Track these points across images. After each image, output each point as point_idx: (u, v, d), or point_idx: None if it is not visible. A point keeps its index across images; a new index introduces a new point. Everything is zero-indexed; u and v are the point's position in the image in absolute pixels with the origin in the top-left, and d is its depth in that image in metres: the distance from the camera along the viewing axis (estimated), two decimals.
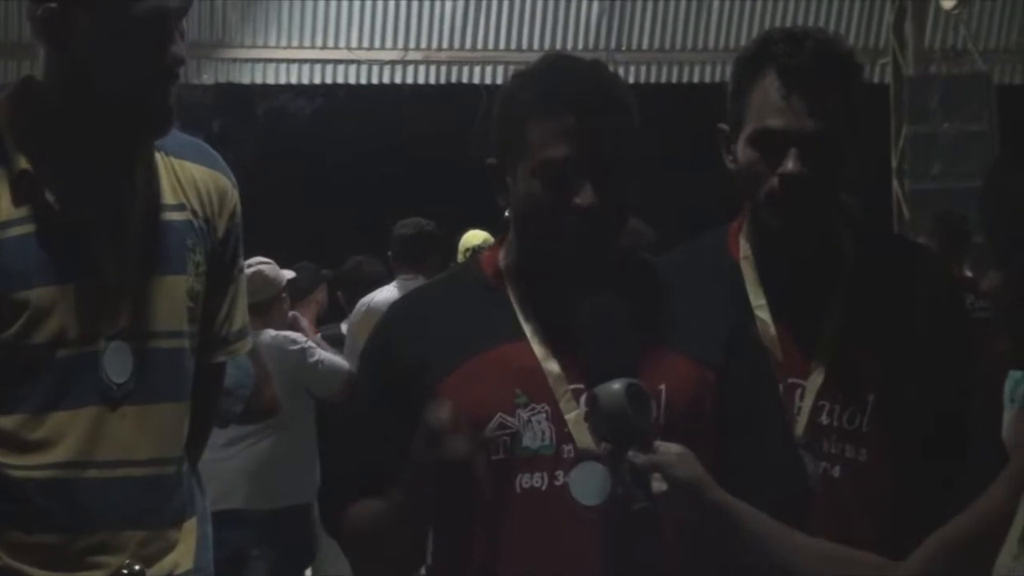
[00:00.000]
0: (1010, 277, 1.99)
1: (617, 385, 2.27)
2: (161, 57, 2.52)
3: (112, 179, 2.58)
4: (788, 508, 2.41)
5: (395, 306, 2.66)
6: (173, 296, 2.62)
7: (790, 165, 2.68)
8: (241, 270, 2.79)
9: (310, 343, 7.25)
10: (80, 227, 2.54)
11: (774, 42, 2.75)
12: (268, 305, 7.27)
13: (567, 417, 2.41)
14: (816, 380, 2.71)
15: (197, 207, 2.68)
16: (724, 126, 2.80)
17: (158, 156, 2.65)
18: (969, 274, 8.12)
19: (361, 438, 2.55)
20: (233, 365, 3.22)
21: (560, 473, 2.40)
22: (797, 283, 2.76)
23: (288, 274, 7.49)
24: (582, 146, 2.40)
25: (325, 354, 7.23)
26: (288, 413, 7.07)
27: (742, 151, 2.74)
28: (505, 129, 2.48)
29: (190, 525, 2.71)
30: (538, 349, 2.45)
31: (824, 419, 2.71)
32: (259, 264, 7.35)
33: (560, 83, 2.45)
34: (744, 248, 2.82)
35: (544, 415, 2.42)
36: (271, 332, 7.19)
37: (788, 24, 10.63)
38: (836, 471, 2.70)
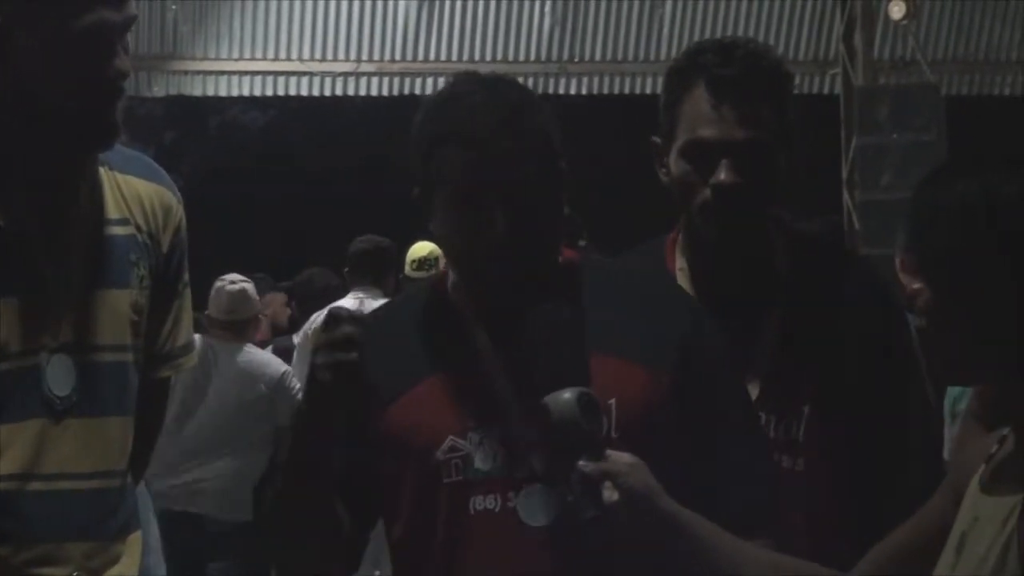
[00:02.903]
0: (938, 295, 2.01)
1: (568, 394, 2.27)
2: (105, 71, 2.52)
3: (55, 193, 2.59)
4: (761, 509, 2.43)
5: None
6: (116, 309, 2.62)
7: (722, 175, 2.68)
8: (186, 285, 2.79)
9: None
10: (22, 240, 2.54)
11: (703, 52, 2.76)
12: (246, 323, 7.42)
13: (517, 437, 2.40)
14: (752, 391, 2.70)
15: (141, 222, 2.68)
16: (657, 139, 2.81)
17: (102, 171, 2.65)
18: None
19: (303, 449, 2.53)
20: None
21: (513, 494, 2.39)
22: (732, 294, 2.76)
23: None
24: (486, 173, 2.38)
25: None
26: (257, 430, 7.19)
27: (674, 163, 2.74)
28: (417, 159, 2.46)
29: (135, 538, 2.71)
30: (488, 368, 2.44)
31: None
32: (242, 283, 7.48)
33: (462, 112, 2.41)
34: (679, 260, 2.83)
35: (496, 437, 2.41)
36: (252, 347, 7.39)
37: (739, 35, 10.64)
38: None
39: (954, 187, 2.00)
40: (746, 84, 2.71)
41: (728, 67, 2.72)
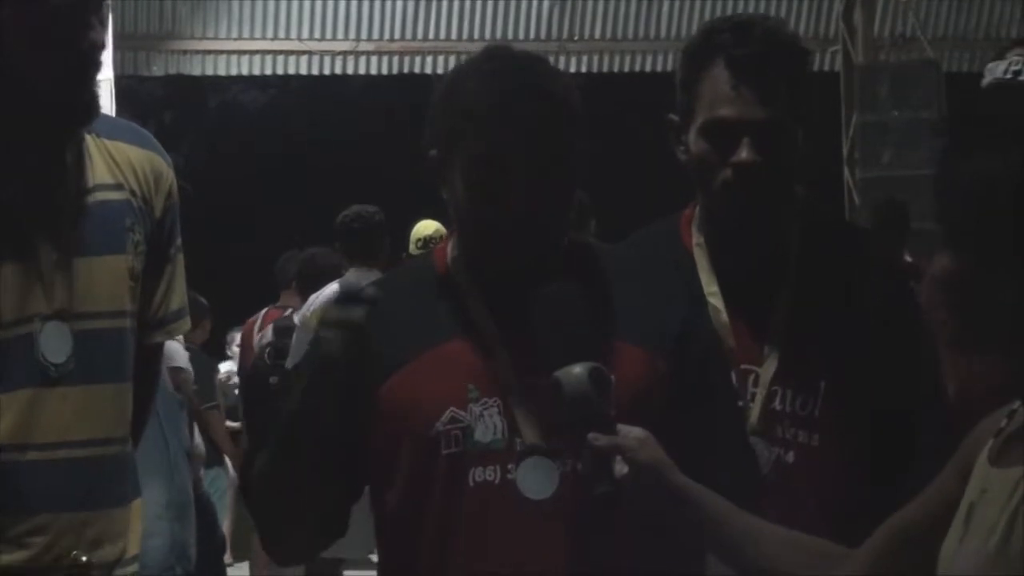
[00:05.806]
0: (958, 259, 1.99)
1: (579, 368, 2.26)
2: (79, 45, 2.51)
3: (41, 163, 2.58)
4: (738, 499, 2.42)
5: None
6: (113, 275, 2.62)
7: (744, 154, 2.67)
8: (179, 250, 2.79)
9: None
10: (9, 210, 2.54)
11: (719, 31, 2.74)
12: None
13: (518, 411, 2.40)
14: (769, 366, 2.71)
15: (135, 187, 2.68)
16: (674, 117, 2.80)
17: (91, 139, 2.64)
18: (909, 259, 8.12)
19: (293, 419, 2.47)
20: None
21: (512, 466, 2.39)
22: (749, 270, 2.76)
23: None
24: (517, 143, 2.38)
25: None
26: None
27: (694, 142, 2.73)
28: (442, 123, 2.46)
29: (135, 506, 2.70)
30: (489, 342, 2.44)
31: (777, 405, 2.71)
32: None
33: (496, 79, 2.42)
34: (696, 236, 2.82)
35: (496, 409, 2.41)
36: None
37: (753, 12, 10.60)
38: (790, 456, 2.70)
39: (981, 159, 1.98)
40: (764, 63, 2.69)
41: (746, 46, 2.70)
